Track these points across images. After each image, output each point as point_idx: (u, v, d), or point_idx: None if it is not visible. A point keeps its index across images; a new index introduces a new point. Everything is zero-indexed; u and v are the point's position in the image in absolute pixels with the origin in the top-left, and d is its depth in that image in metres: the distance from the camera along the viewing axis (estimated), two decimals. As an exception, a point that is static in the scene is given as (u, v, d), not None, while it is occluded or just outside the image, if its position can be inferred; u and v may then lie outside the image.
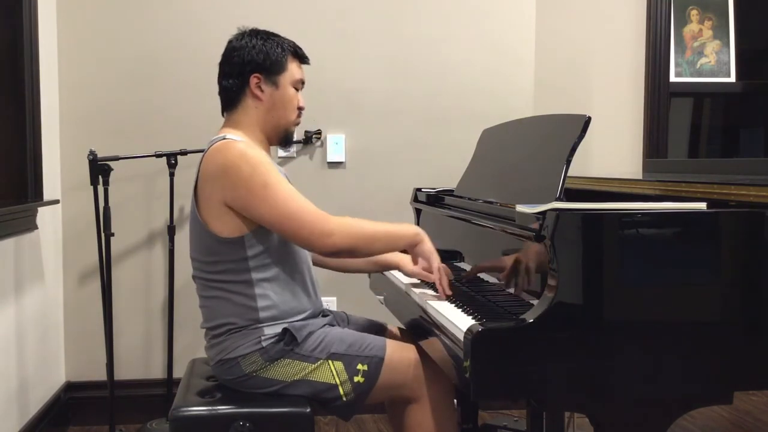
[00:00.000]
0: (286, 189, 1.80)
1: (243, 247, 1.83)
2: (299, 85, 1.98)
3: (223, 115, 2.01)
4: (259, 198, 1.77)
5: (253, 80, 1.91)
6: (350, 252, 1.84)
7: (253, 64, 1.90)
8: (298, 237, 1.79)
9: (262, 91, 1.92)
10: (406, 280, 2.15)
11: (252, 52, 1.91)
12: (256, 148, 1.87)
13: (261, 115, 1.94)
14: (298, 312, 1.90)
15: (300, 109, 1.99)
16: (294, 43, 1.98)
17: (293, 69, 1.95)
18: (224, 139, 1.86)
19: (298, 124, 2.01)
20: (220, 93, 1.98)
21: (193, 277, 1.94)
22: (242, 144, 1.83)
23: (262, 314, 1.86)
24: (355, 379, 1.85)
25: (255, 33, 1.95)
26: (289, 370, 1.84)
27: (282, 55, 1.93)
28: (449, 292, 1.88)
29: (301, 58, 1.99)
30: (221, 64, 1.98)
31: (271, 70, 1.92)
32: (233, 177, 1.78)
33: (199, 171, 1.87)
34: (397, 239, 1.89)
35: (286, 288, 1.89)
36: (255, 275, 1.85)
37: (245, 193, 1.77)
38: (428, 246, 1.91)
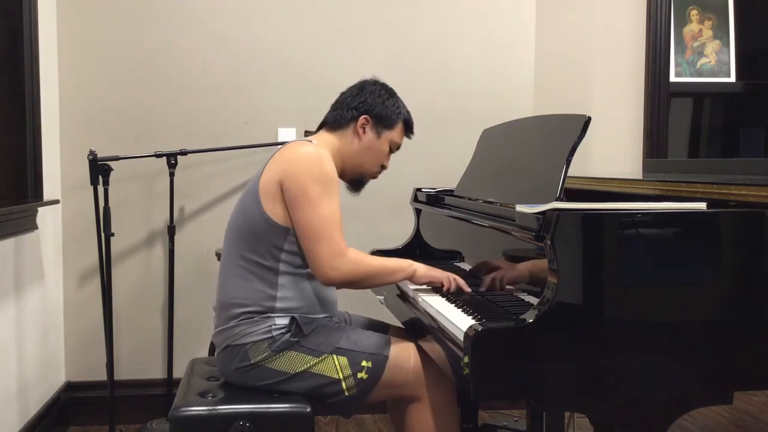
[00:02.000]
0: (332, 211, 1.86)
1: (284, 238, 1.88)
2: (395, 147, 2.12)
3: (317, 130, 2.12)
4: (307, 201, 1.84)
5: (362, 119, 2.05)
6: (347, 286, 1.93)
7: (371, 107, 2.06)
8: (310, 254, 1.86)
9: (364, 132, 2.05)
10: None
11: (376, 99, 2.07)
12: (333, 162, 1.94)
13: (353, 150, 2.06)
14: (311, 313, 1.93)
15: (383, 167, 2.13)
16: (410, 114, 2.14)
17: (398, 132, 2.10)
18: (311, 142, 1.96)
19: (374, 177, 2.15)
20: (331, 114, 2.10)
21: (224, 250, 1.99)
22: (326, 153, 1.92)
23: (278, 304, 1.89)
24: (359, 375, 1.87)
25: (386, 87, 2.12)
26: (293, 363, 1.86)
27: (396, 115, 2.09)
28: (468, 290, 1.92)
29: (409, 129, 2.14)
30: (345, 92, 2.12)
31: (382, 121, 2.07)
32: (301, 169, 1.86)
33: (272, 157, 1.96)
34: (393, 274, 1.96)
35: (308, 289, 1.93)
36: (283, 267, 1.90)
37: (300, 189, 1.85)
38: (422, 272, 1.96)
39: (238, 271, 1.92)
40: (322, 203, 1.84)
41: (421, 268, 1.96)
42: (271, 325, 1.88)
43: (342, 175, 2.08)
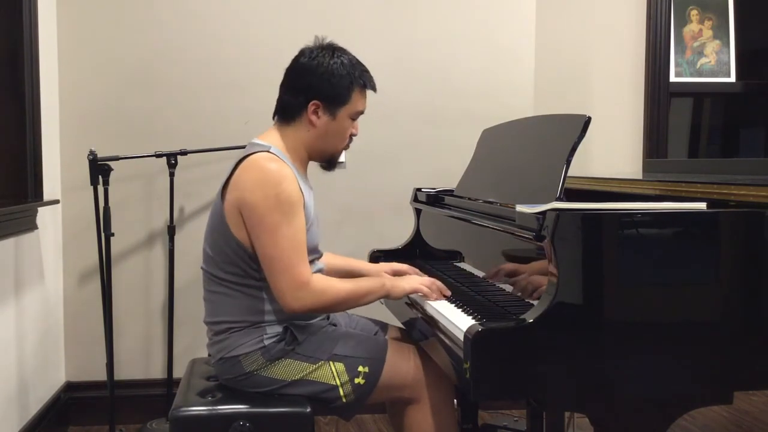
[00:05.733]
0: (293, 238, 1.78)
1: (256, 258, 1.83)
2: (357, 116, 1.96)
3: (273, 118, 1.98)
4: (264, 231, 1.77)
5: (312, 106, 1.88)
6: (311, 313, 1.87)
7: (316, 90, 1.87)
8: (272, 285, 1.80)
9: (318, 117, 1.89)
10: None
11: (321, 78, 1.87)
12: (294, 180, 1.82)
13: (310, 138, 1.92)
14: (304, 318, 1.91)
15: (352, 135, 1.97)
16: (363, 72, 1.94)
17: (356, 101, 1.92)
18: (268, 151, 1.84)
19: (346, 149, 2.00)
20: (279, 101, 1.95)
21: (202, 268, 1.94)
22: (284, 169, 1.80)
23: (268, 316, 1.86)
24: (356, 380, 1.86)
25: (330, 51, 1.91)
26: (289, 370, 1.85)
27: (349, 87, 1.89)
28: (448, 293, 1.92)
29: (369, 88, 1.96)
30: (288, 72, 1.94)
31: (333, 101, 1.89)
32: (257, 197, 1.77)
33: (233, 171, 1.85)
34: (365, 297, 1.89)
35: None
36: (264, 282, 1.85)
37: (258, 218, 1.78)
38: (398, 289, 1.92)
39: (221, 290, 1.88)
40: (280, 232, 1.76)
41: (396, 288, 1.91)
42: (262, 335, 1.85)
43: (311, 158, 1.98)
